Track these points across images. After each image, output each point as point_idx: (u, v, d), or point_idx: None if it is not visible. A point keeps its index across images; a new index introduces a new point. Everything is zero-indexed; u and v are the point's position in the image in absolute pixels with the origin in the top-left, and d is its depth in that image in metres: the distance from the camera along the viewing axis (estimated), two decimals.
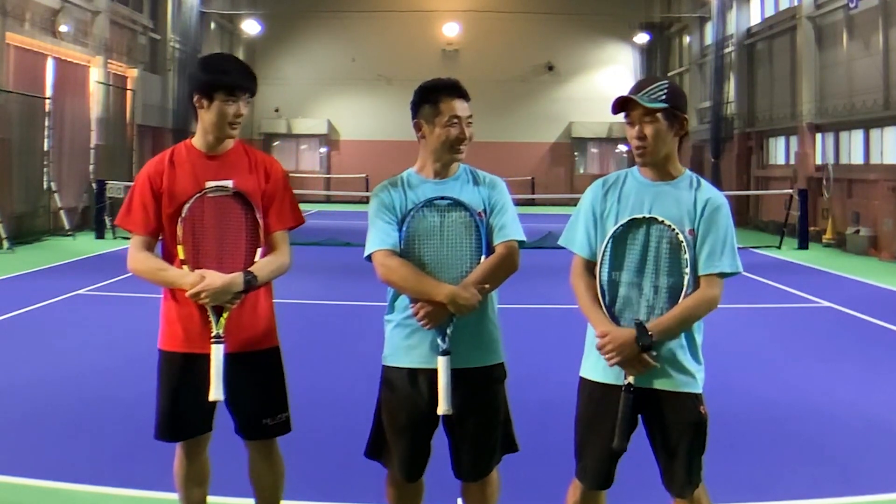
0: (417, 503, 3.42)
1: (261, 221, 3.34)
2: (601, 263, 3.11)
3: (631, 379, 3.00)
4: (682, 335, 3.04)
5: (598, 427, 3.07)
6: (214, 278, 3.20)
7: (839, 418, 5.92)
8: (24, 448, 5.06)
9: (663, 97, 3.02)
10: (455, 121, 3.27)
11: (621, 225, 3.08)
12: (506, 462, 3.39)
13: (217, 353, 3.19)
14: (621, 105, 3.07)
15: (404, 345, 3.28)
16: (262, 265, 3.32)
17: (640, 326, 2.96)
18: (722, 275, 3.03)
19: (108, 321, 9.24)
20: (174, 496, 3.58)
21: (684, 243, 3.01)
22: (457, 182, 3.34)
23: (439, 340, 3.18)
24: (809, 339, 8.99)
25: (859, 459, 5.09)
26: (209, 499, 3.55)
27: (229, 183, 3.33)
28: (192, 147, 3.41)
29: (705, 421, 3.07)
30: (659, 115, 3.02)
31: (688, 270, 3.01)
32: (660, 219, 3.04)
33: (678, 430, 3.03)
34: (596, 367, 3.11)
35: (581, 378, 3.19)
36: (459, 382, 3.19)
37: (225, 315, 3.25)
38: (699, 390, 3.07)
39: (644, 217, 3.06)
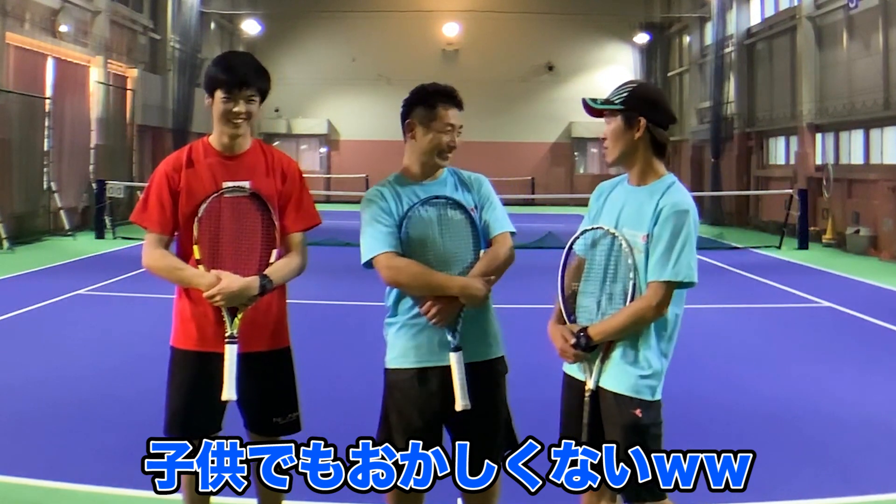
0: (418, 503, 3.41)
1: (277, 223, 3.34)
2: (564, 270, 3.21)
3: (591, 384, 3.04)
4: (629, 339, 3.02)
5: (565, 415, 3.17)
6: (231, 281, 3.21)
7: (839, 418, 5.92)
8: (24, 448, 5.07)
9: (620, 99, 3.09)
10: (448, 128, 3.32)
11: (579, 235, 3.20)
12: None
13: (231, 353, 3.21)
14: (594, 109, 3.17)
15: (412, 345, 3.28)
16: (278, 268, 3.33)
17: (581, 330, 3.02)
18: (668, 284, 2.95)
19: (108, 321, 9.21)
20: (175, 496, 3.57)
21: (634, 249, 3.01)
22: (445, 182, 3.38)
23: (449, 337, 3.20)
24: (809, 339, 8.99)
25: (859, 459, 5.10)
26: (212, 499, 3.54)
27: (246, 184, 3.33)
28: (210, 146, 3.40)
29: (641, 425, 2.96)
30: (618, 115, 3.09)
31: (632, 276, 3.00)
32: (606, 227, 3.08)
33: (611, 429, 3.01)
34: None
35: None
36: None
37: (239, 315, 3.26)
38: (637, 395, 2.99)
39: (596, 227, 3.14)
